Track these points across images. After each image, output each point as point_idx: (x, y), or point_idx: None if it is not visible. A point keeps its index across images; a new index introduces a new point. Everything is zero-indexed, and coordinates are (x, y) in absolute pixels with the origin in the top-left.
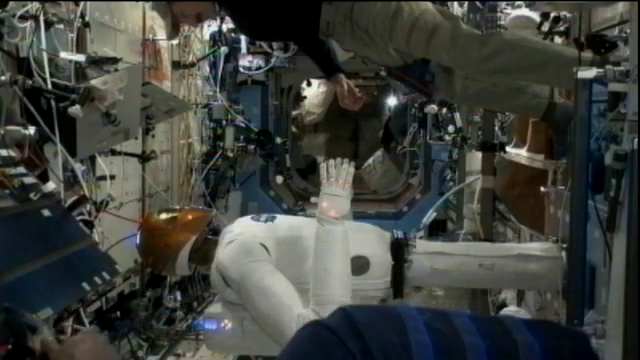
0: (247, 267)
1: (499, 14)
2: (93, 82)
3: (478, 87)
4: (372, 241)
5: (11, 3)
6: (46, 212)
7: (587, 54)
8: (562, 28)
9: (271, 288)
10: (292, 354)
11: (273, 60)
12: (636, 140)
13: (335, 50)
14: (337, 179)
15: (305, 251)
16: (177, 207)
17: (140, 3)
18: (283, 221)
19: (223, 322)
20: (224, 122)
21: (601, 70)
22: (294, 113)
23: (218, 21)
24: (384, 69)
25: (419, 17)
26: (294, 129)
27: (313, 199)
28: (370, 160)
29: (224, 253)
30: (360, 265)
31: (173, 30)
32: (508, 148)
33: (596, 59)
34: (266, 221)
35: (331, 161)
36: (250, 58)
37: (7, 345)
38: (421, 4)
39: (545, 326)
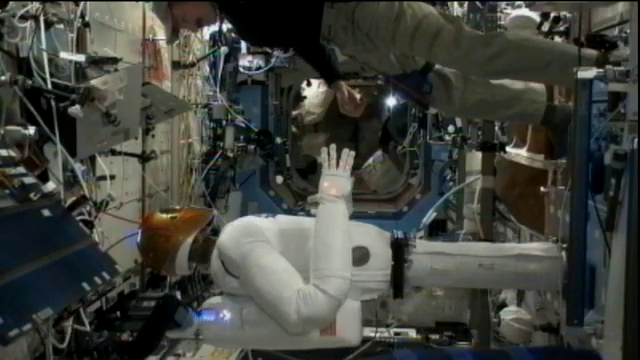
0: (247, 247)
1: (499, 14)
2: (93, 82)
3: (476, 99)
4: (372, 235)
5: (11, 3)
6: (46, 212)
7: (592, 52)
8: (562, 28)
9: (271, 266)
10: None
11: (273, 60)
12: (636, 140)
13: (335, 55)
14: (338, 161)
15: (306, 242)
16: (178, 207)
17: (140, 3)
18: (284, 217)
19: (222, 313)
20: (224, 122)
21: (601, 70)
22: (294, 113)
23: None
24: (382, 77)
25: (422, 19)
26: (294, 129)
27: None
28: (370, 160)
29: (224, 235)
30: (360, 256)
31: (173, 34)
32: (508, 148)
33: (600, 58)
34: (267, 217)
35: (332, 145)
36: (250, 58)
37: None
38: (423, 6)
39: (554, 354)
